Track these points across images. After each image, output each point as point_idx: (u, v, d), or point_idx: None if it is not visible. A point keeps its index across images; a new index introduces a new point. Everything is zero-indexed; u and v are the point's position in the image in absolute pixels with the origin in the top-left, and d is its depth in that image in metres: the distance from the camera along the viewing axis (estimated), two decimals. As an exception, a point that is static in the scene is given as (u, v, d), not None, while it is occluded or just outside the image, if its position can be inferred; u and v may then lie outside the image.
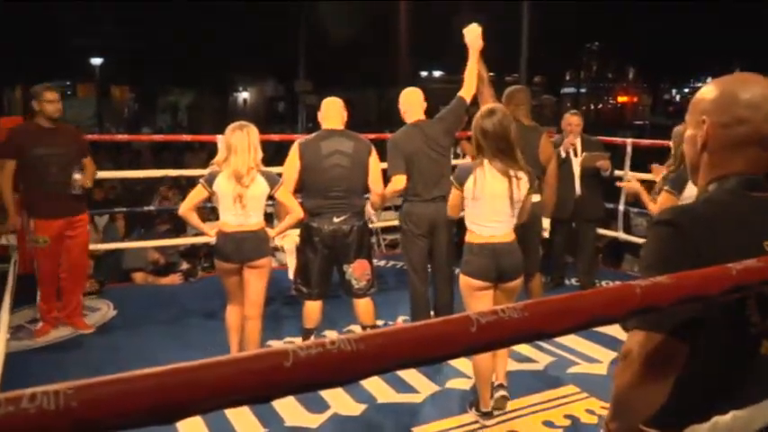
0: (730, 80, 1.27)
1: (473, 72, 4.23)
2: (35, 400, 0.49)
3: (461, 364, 3.81)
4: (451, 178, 3.33)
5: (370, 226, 5.47)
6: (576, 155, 5.24)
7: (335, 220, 3.76)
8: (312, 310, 3.91)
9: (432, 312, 4.25)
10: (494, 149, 3.16)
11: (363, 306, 3.93)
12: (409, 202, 4.12)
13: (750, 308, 1.17)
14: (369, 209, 4.10)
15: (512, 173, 3.17)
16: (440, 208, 3.94)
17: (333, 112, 3.90)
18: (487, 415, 3.32)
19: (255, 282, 3.68)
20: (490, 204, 3.18)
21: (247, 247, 3.60)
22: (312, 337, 3.92)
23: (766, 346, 1.20)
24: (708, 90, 1.29)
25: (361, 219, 3.87)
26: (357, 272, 3.85)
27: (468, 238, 3.27)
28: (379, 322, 4.40)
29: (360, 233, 3.84)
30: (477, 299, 3.23)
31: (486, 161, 3.18)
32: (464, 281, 3.26)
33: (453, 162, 4.52)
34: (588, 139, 5.39)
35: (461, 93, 4.22)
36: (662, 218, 1.23)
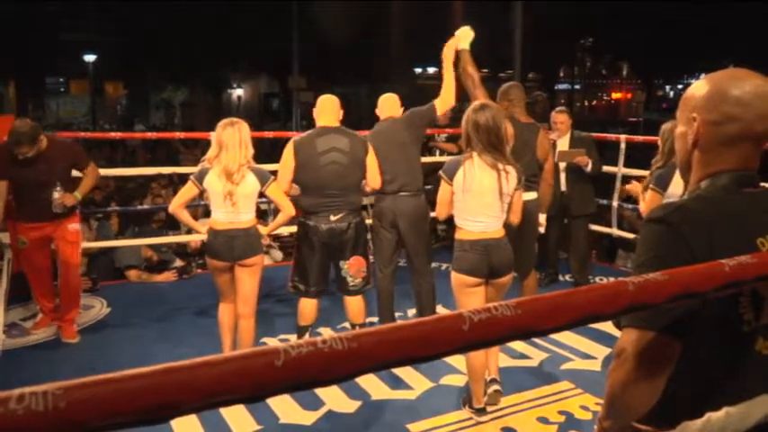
0: (721, 76, 1.25)
1: (450, 84, 4.18)
2: (23, 400, 0.49)
3: (455, 360, 3.81)
4: (440, 172, 3.33)
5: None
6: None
7: (332, 218, 3.73)
8: (307, 307, 3.88)
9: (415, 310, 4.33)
10: (484, 143, 3.17)
11: (354, 304, 3.91)
12: (376, 197, 4.22)
13: (743, 305, 1.17)
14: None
15: (500, 166, 3.18)
16: (398, 201, 4.03)
17: (328, 108, 3.86)
18: (481, 411, 3.33)
19: (248, 280, 3.64)
20: (479, 198, 3.18)
21: (239, 245, 3.55)
22: (307, 335, 3.92)
23: (760, 344, 1.20)
24: (698, 86, 1.27)
25: (357, 215, 3.85)
26: (353, 269, 3.82)
27: (459, 234, 3.27)
28: (374, 319, 4.40)
29: (356, 230, 3.81)
30: (469, 295, 3.23)
31: (475, 154, 3.19)
32: (456, 278, 3.26)
33: (428, 159, 4.50)
34: (579, 135, 5.35)
35: (436, 102, 4.19)
36: (654, 215, 1.22)
